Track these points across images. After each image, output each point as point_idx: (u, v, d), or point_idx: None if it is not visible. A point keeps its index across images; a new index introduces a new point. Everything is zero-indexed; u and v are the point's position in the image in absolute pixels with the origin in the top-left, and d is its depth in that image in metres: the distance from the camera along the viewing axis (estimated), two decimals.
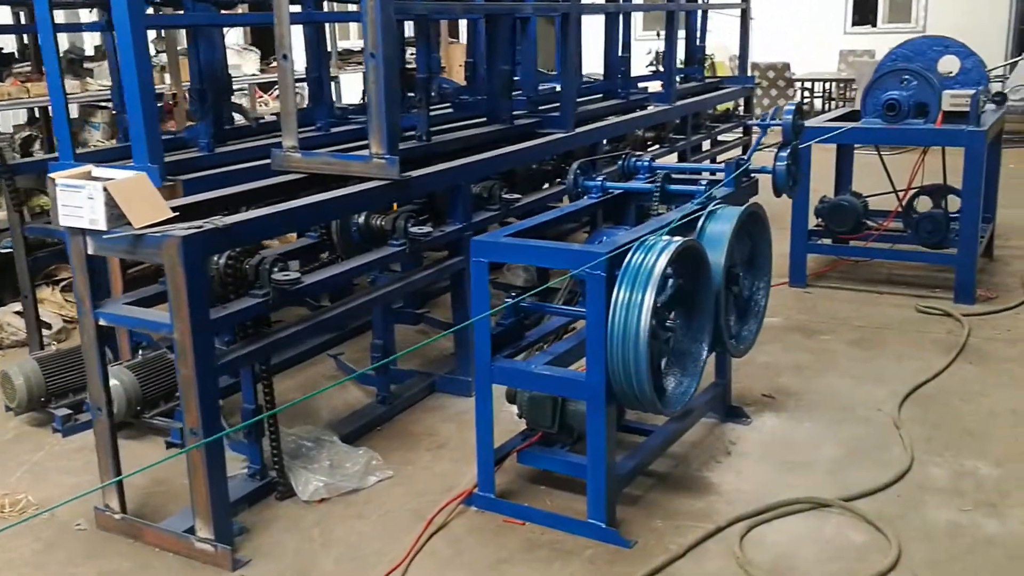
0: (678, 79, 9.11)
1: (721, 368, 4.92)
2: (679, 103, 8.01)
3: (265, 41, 11.88)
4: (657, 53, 15.15)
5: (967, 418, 4.91)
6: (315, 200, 4.19)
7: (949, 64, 7.94)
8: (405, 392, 5.26)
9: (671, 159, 9.13)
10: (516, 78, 8.06)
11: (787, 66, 14.14)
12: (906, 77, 6.89)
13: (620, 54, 7.69)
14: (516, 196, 5.49)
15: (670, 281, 3.88)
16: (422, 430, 4.98)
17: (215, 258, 3.90)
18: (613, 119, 7.06)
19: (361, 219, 4.81)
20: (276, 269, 3.96)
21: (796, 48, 16.23)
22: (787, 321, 6.47)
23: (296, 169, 4.79)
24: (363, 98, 6.77)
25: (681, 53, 9.43)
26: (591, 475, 3.84)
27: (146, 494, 4.36)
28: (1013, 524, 3.92)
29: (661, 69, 9.63)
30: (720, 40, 15.58)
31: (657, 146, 7.98)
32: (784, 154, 4.77)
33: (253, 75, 8.34)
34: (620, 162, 5.16)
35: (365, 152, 4.61)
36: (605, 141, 7.20)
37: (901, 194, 7.22)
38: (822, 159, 7.65)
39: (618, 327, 3.56)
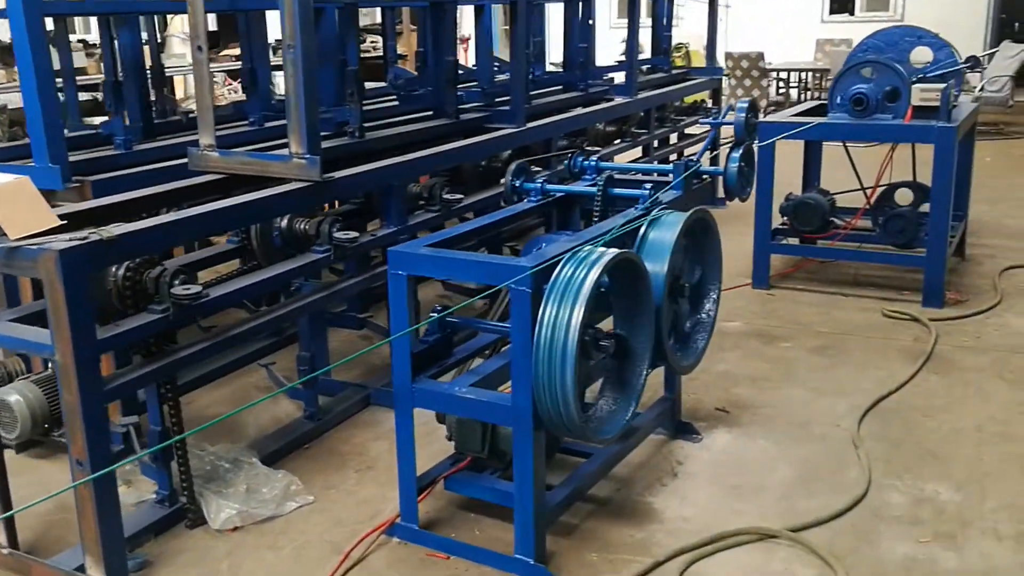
0: (643, 70, 8.83)
1: (670, 382, 4.62)
2: (641, 95, 7.69)
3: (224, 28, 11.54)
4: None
5: (930, 436, 4.63)
6: (219, 207, 3.85)
7: (922, 55, 7.68)
8: (337, 406, 4.94)
9: (635, 154, 8.88)
10: (468, 68, 7.76)
11: (761, 56, 13.82)
12: (875, 69, 6.60)
13: (579, 44, 7.33)
14: (458, 196, 5.16)
15: (606, 295, 3.57)
16: (351, 449, 4.66)
17: (114, 269, 3.58)
18: (570, 113, 6.72)
19: (284, 223, 4.48)
20: (177, 282, 3.63)
21: (772, 37, 15.96)
22: (747, 326, 6.18)
23: (214, 169, 4.46)
24: None
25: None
26: (518, 508, 3.54)
27: (48, 522, 4.03)
28: (972, 558, 3.64)
29: None
30: (695, 29, 15.31)
31: (619, 141, 7.65)
32: (736, 154, 4.47)
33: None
34: (566, 161, 4.85)
35: (286, 151, 4.28)
36: (563, 136, 6.91)
37: (869, 192, 6.93)
38: (790, 153, 7.36)
39: (544, 346, 3.24)
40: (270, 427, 4.91)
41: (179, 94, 12.08)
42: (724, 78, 14.70)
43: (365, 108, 6.14)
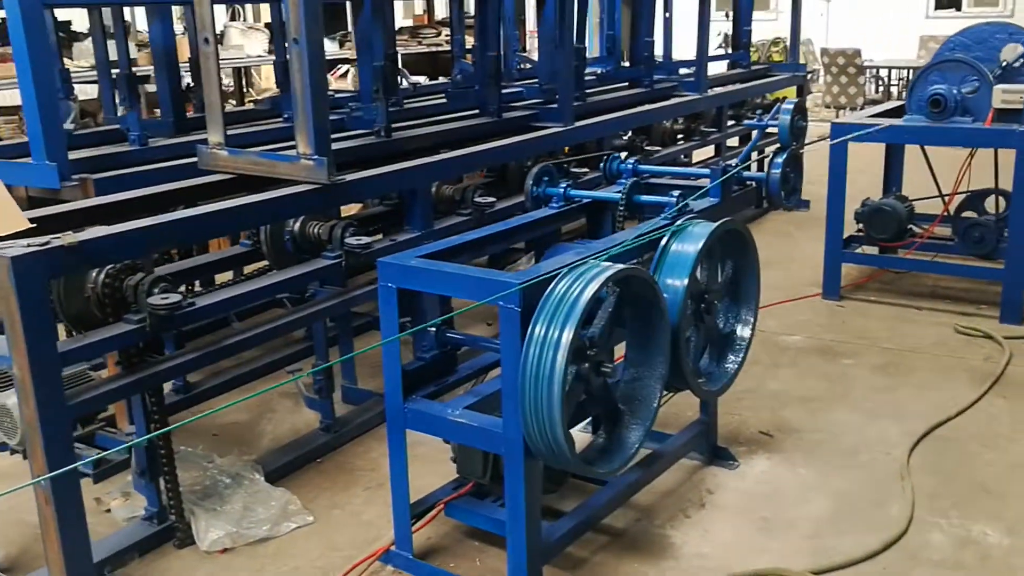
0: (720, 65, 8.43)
1: (705, 405, 4.28)
2: (712, 92, 7.29)
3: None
4: (725, 35, 14.36)
5: (985, 469, 4.19)
6: (206, 211, 3.67)
7: (1013, 53, 7.09)
8: (357, 418, 4.74)
9: (707, 153, 8.48)
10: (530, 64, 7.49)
11: (858, 52, 13.13)
12: (955, 68, 6.08)
13: (645, 38, 6.97)
14: (490, 200, 4.90)
15: (606, 314, 3.26)
16: (365, 464, 4.45)
17: (94, 275, 3.44)
18: (626, 112, 6.38)
19: (296, 226, 4.30)
20: (157, 291, 3.45)
21: (874, 34, 15.21)
22: (809, 340, 5.76)
23: (223, 169, 4.30)
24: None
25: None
26: (510, 541, 3.27)
27: (35, 537, 3.90)
28: None
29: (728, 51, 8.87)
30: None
31: (681, 140, 7.28)
32: (780, 160, 4.10)
33: (259, 56, 7.85)
34: (602, 164, 4.56)
35: (294, 152, 4.09)
36: (629, 134, 6.59)
37: (948, 199, 6.41)
38: (870, 156, 6.90)
39: (531, 369, 2.96)
40: (287, 437, 4.75)
41: (263, 84, 12.10)
42: (821, 76, 14.16)
43: (411, 106, 5.98)
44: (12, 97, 8.46)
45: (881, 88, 14.64)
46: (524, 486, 3.18)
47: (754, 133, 4.68)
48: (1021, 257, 5.77)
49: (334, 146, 4.68)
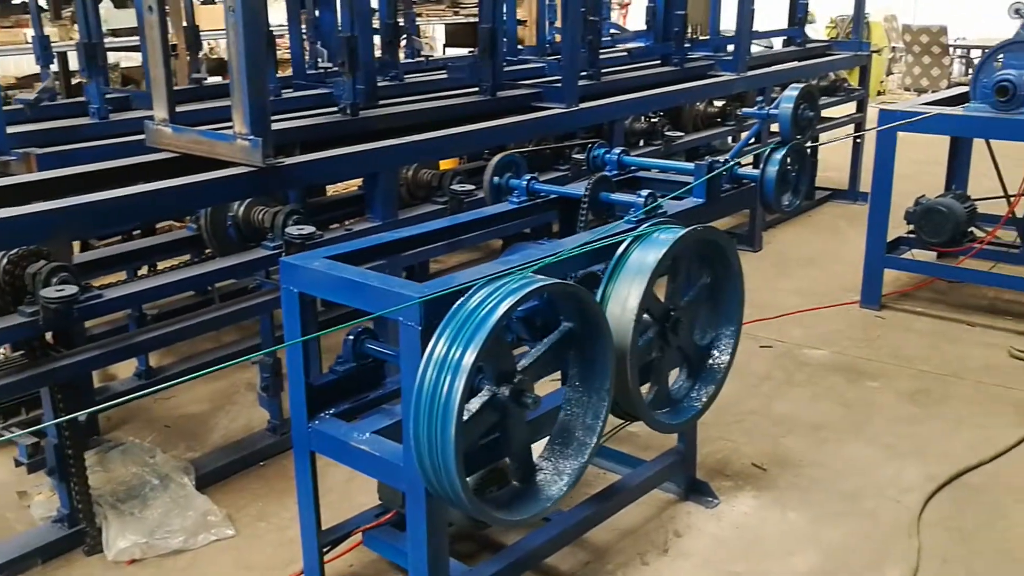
0: (772, 43, 7.77)
1: (685, 431, 3.76)
2: (753, 72, 6.65)
3: None
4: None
5: (1015, 530, 3.58)
6: (113, 195, 3.29)
7: None
8: None
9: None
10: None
11: (944, 30, 12.16)
12: None
13: (676, 11, 6.36)
14: (469, 188, 4.43)
15: (531, 334, 2.79)
16: None
17: None
18: (647, 92, 5.80)
19: (240, 211, 3.91)
20: (56, 280, 3.12)
21: (968, 9, 14.13)
22: (834, 356, 5.16)
23: (166, 147, 3.93)
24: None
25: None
26: None
27: None
28: None
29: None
30: None
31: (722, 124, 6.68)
32: (777, 156, 3.53)
33: (280, 25, 7.51)
34: (586, 153, 4.05)
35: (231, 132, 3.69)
36: (652, 116, 6.03)
37: (1013, 200, 5.69)
38: (933, 149, 6.21)
39: (426, 395, 2.51)
40: (239, 434, 4.41)
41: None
42: (902, 55, 13.22)
43: (412, 81, 5.55)
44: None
45: (971, 70, 13.60)
46: (427, 528, 2.74)
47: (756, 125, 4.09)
48: None
49: (292, 124, 4.31)
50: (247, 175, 3.60)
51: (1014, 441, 4.18)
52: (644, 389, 3.16)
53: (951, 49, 12.66)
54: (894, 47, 14.13)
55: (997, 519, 3.65)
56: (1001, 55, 5.51)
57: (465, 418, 2.51)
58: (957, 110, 5.50)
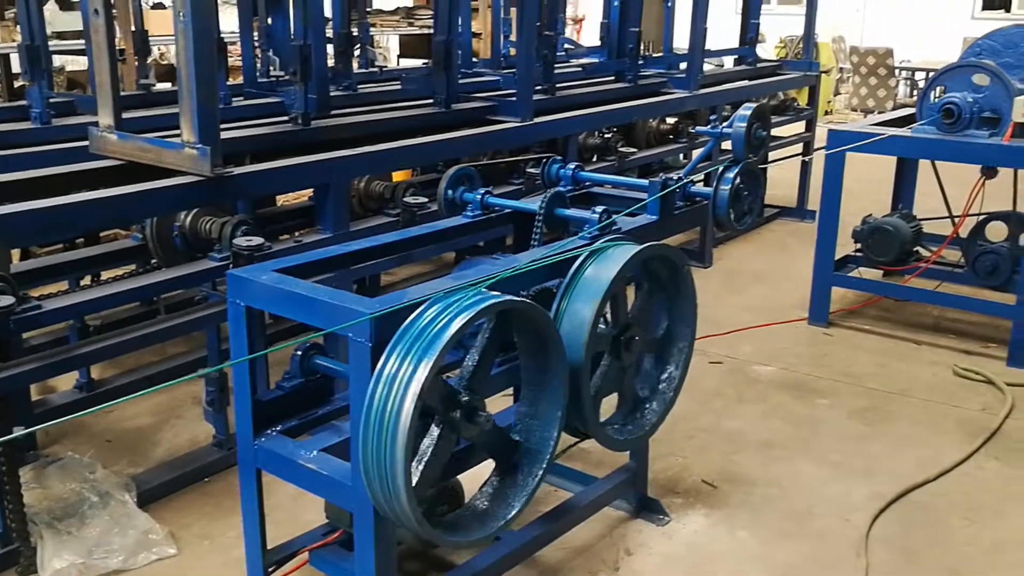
0: (724, 62, 7.85)
1: (636, 448, 3.74)
2: (705, 91, 6.70)
3: None
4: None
5: (960, 548, 3.61)
6: (37, 206, 3.19)
7: None
8: None
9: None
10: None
11: (890, 52, 12.39)
12: (975, 76, 5.47)
13: (630, 28, 6.38)
14: (422, 200, 4.38)
15: (484, 351, 2.75)
16: None
17: None
18: (601, 108, 5.81)
19: (188, 221, 3.83)
20: None
21: (913, 33, 14.41)
22: (784, 373, 5.19)
23: (111, 154, 3.84)
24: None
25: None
26: None
27: None
28: None
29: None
30: (833, 20, 13.90)
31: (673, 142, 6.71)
32: (730, 175, 3.54)
33: (232, 32, 7.40)
34: (541, 168, 4.03)
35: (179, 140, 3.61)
36: (606, 131, 6.03)
37: (958, 221, 5.78)
38: (880, 168, 6.30)
39: (376, 412, 2.46)
40: (184, 449, 4.31)
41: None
42: (850, 76, 13.43)
43: (365, 91, 5.50)
44: None
45: (916, 92, 13.86)
46: (375, 548, 2.69)
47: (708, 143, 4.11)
48: None
49: (242, 133, 4.23)
50: (194, 184, 3.52)
51: (959, 459, 4.23)
52: (597, 406, 3.14)
53: (897, 71, 12.89)
54: (842, 68, 14.34)
55: (943, 537, 3.69)
56: (947, 78, 5.60)
57: (415, 437, 2.46)
58: (905, 131, 5.57)
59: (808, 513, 3.83)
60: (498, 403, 2.98)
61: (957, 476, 4.13)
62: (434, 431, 2.60)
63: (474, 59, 7.62)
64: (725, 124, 3.66)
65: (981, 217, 5.76)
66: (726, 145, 3.69)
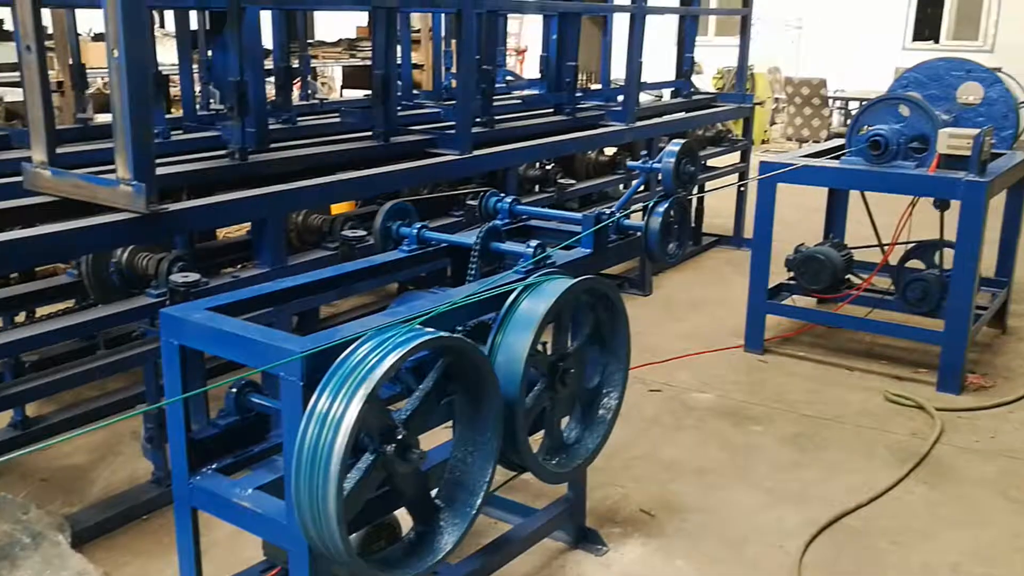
0: (663, 94, 8.00)
1: (574, 480, 3.79)
2: (642, 123, 6.83)
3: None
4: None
5: (891, 572, 3.71)
6: None
7: (972, 92, 6.71)
8: None
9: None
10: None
11: (823, 83, 12.72)
12: (899, 108, 5.65)
13: (567, 61, 6.49)
14: (360, 233, 4.41)
15: (418, 388, 2.78)
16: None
17: None
18: (540, 141, 5.89)
19: (124, 257, 3.82)
20: None
21: (847, 63, 14.79)
22: (720, 400, 5.28)
23: (45, 191, 3.81)
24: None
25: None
26: None
27: None
28: None
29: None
30: (767, 50, 14.24)
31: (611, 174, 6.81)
32: (661, 209, 3.63)
33: (173, 65, 7.39)
34: (479, 201, 4.08)
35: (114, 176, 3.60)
36: (546, 163, 6.11)
37: (887, 249, 5.95)
38: (814, 197, 6.46)
39: (308, 450, 2.47)
40: (121, 487, 4.26)
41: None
42: (785, 106, 13.74)
43: (305, 124, 5.52)
44: None
45: (849, 122, 14.24)
46: None
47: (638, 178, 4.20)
48: (962, 318, 5.32)
49: (179, 168, 4.23)
50: (129, 222, 3.52)
51: (889, 484, 4.34)
52: (533, 439, 3.17)
53: (830, 101, 13.23)
54: (777, 98, 14.67)
55: (873, 561, 3.78)
56: (871, 113, 5.77)
57: (347, 475, 2.48)
58: (833, 163, 5.73)
59: (743, 540, 3.91)
60: (433, 437, 3.01)
61: (887, 501, 4.23)
62: (363, 464, 2.62)
63: (416, 91, 7.69)
64: (655, 159, 3.74)
65: (910, 245, 5.94)
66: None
